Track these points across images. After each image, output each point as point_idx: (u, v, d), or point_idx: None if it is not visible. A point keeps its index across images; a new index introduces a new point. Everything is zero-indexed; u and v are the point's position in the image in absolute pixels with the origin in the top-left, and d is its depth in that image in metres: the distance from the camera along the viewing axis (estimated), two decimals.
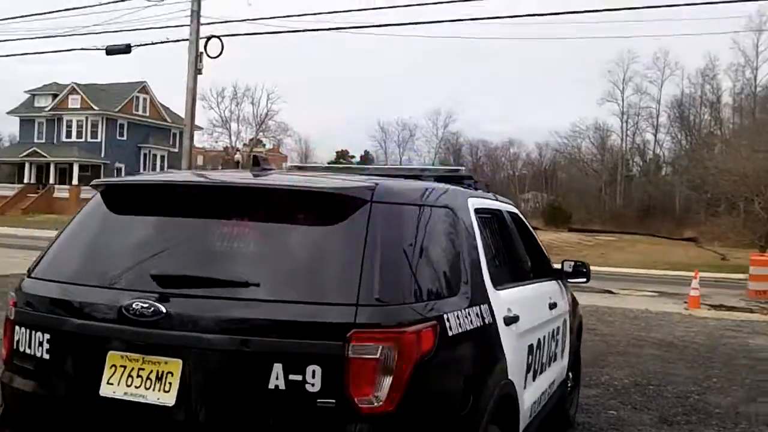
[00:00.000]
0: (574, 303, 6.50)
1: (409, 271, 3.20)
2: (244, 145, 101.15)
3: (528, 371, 4.51)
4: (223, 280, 3.12)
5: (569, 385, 6.22)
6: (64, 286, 3.41)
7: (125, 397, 3.06)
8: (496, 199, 5.11)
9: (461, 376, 3.40)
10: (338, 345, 2.86)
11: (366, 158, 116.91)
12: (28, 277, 3.62)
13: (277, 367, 2.88)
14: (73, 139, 61.79)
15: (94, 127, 62.03)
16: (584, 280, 6.04)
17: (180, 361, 3.01)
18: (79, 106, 61.51)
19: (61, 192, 59.45)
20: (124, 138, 63.09)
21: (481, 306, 3.73)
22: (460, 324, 3.38)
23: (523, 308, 4.42)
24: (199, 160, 71.61)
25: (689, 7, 19.65)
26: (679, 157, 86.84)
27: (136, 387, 3.05)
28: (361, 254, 3.04)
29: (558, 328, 5.59)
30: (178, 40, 21.43)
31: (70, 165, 61.26)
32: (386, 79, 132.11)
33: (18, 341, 3.44)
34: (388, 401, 2.88)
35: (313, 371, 2.86)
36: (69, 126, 62.09)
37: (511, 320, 4.09)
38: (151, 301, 3.05)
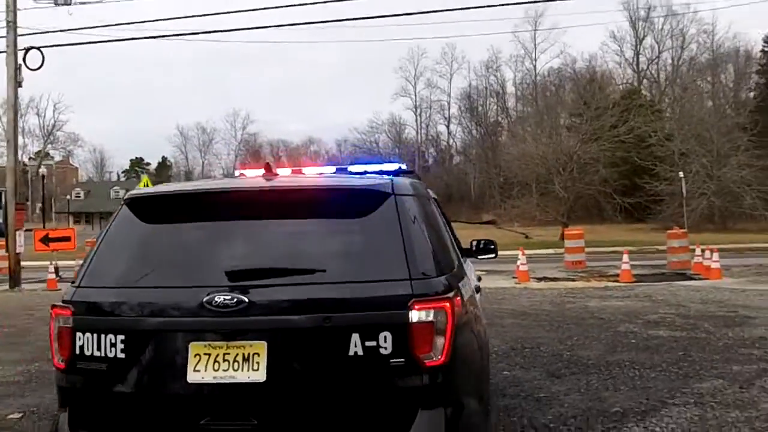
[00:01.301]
0: None
1: (432, 249, 3.82)
2: (30, 158, 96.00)
3: None
4: (293, 269, 3.59)
5: None
6: (129, 291, 3.70)
7: (215, 380, 3.42)
8: None
9: (473, 331, 4.10)
10: (402, 313, 3.41)
11: (164, 164, 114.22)
12: (78, 287, 3.82)
13: (355, 337, 3.39)
14: None
15: None
16: (493, 256, 6.83)
17: (265, 343, 3.43)
18: None
19: None
20: None
21: (466, 277, 4.45)
22: (465, 291, 4.07)
23: (474, 281, 5.18)
24: None
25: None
26: (471, 146, 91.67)
27: (224, 370, 3.43)
28: (400, 237, 3.62)
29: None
30: None
31: None
32: (179, 84, 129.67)
33: (82, 346, 3.66)
34: (443, 355, 3.47)
35: (385, 337, 3.39)
36: None
37: (478, 289, 4.83)
38: (234, 293, 3.45)
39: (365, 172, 4.91)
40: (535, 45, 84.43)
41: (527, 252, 19.62)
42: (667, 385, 7.24)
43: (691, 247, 20.70)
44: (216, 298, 3.46)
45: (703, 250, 19.20)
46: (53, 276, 20.26)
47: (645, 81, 77.45)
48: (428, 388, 3.44)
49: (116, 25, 26.55)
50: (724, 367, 7.92)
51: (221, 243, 3.79)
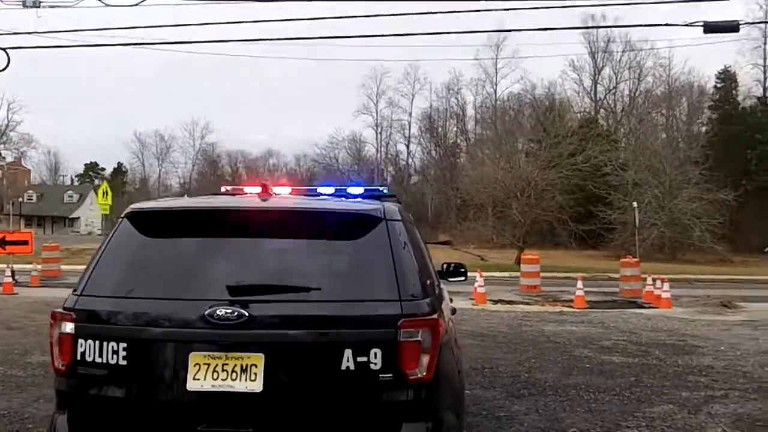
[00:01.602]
0: None
1: (419, 272, 4.12)
2: None
3: None
4: (291, 286, 3.88)
5: None
6: (132, 301, 3.92)
7: (213, 389, 3.66)
8: None
9: (452, 351, 4.40)
10: (392, 332, 3.71)
11: (120, 170, 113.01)
12: (80, 295, 4.00)
13: (348, 352, 3.67)
14: None
15: None
16: (463, 279, 7.14)
17: (262, 355, 3.68)
18: None
19: None
20: None
21: (445, 299, 4.76)
22: (446, 313, 4.39)
23: (449, 303, 5.49)
24: None
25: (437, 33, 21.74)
26: (430, 166, 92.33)
27: (223, 380, 3.67)
28: (391, 259, 3.93)
29: None
30: None
31: None
32: (138, 90, 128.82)
33: (83, 352, 3.86)
34: (427, 372, 3.76)
35: (375, 353, 3.68)
36: None
37: (454, 311, 5.14)
38: (234, 307, 3.70)
39: (360, 195, 5.21)
40: (496, 70, 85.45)
41: (483, 274, 19.98)
42: (620, 408, 7.62)
43: (643, 276, 21.27)
44: (217, 311, 3.70)
45: (654, 280, 19.76)
46: (9, 280, 20.09)
47: (602, 111, 78.77)
48: (412, 403, 3.73)
49: (82, 30, 26.56)
50: (674, 393, 8.33)
51: (221, 259, 4.05)
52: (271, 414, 3.72)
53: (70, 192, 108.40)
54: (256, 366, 3.69)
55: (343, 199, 5.03)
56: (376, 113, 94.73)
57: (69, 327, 3.94)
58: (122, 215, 4.32)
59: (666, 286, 18.63)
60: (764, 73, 70.93)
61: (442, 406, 3.97)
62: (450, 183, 76.98)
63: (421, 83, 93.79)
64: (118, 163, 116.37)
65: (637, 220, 33.07)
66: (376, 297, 3.84)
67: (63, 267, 25.02)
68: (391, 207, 4.43)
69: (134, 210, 4.34)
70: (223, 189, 5.77)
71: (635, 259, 22.99)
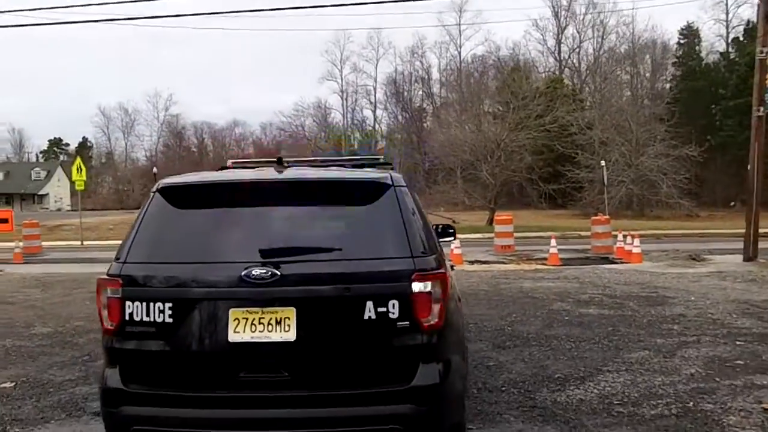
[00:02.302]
0: None
1: (424, 232, 4.56)
2: None
3: None
4: (316, 248, 4.33)
5: None
6: (174, 266, 4.33)
7: (252, 339, 4.10)
8: None
9: (456, 301, 4.86)
10: (407, 284, 4.15)
11: (85, 145, 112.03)
12: (125, 262, 4.37)
13: (369, 304, 4.11)
14: None
15: None
16: (452, 239, 7.60)
17: (294, 309, 4.12)
18: None
19: None
20: None
21: (445, 256, 5.19)
22: (448, 268, 4.82)
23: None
24: None
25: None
26: (396, 131, 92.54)
27: (260, 331, 4.11)
28: (402, 222, 4.36)
29: None
30: None
31: None
32: (100, 64, 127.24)
33: (131, 313, 4.26)
34: (439, 319, 4.21)
35: (393, 303, 4.12)
36: None
37: (452, 267, 5.58)
38: (268, 268, 4.13)
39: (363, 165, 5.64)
40: (459, 32, 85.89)
41: (458, 236, 20.40)
42: (600, 355, 8.15)
43: (613, 232, 21.90)
44: (253, 272, 4.13)
45: (625, 236, 20.37)
46: None
47: (567, 70, 79.56)
48: (426, 347, 4.18)
49: (46, 9, 26.39)
50: (649, 340, 8.88)
51: (250, 226, 4.47)
52: (304, 360, 4.15)
53: (37, 169, 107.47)
54: (289, 318, 4.12)
55: (352, 169, 5.45)
56: (341, 79, 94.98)
57: (117, 291, 4.32)
58: (153, 190, 4.70)
59: (636, 241, 19.26)
60: (726, 28, 72.08)
61: (450, 350, 4.42)
62: (418, 147, 77.45)
63: (385, 48, 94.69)
64: (83, 137, 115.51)
65: (606, 179, 33.72)
66: (391, 255, 4.27)
67: (43, 243, 25.16)
68: (397, 175, 4.83)
69: (165, 185, 4.71)
70: (229, 162, 6.13)
71: (606, 217, 23.62)
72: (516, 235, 23.68)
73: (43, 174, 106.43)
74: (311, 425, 4.11)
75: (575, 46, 79.42)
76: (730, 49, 70.15)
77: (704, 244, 24.62)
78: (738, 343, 8.69)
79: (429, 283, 4.21)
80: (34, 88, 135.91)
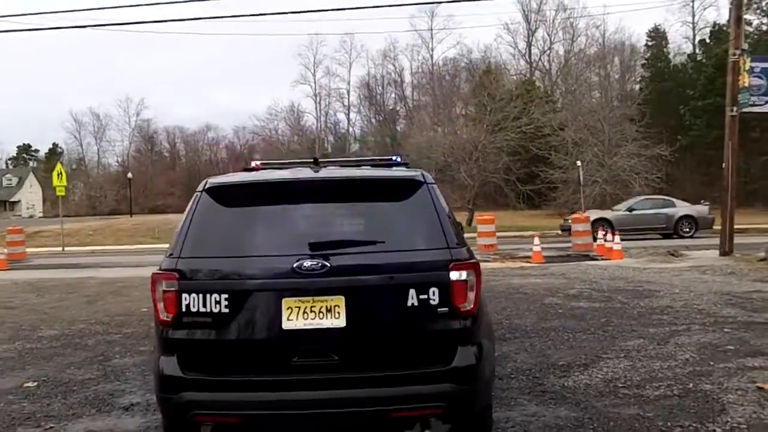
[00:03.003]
0: None
1: (455, 225, 4.92)
2: None
3: None
4: (361, 240, 4.67)
5: None
6: (228, 259, 4.62)
7: (305, 327, 4.42)
8: None
9: (483, 289, 5.23)
10: (446, 273, 4.50)
11: (55, 151, 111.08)
12: (179, 258, 4.64)
13: (412, 291, 4.45)
14: None
15: None
16: None
17: (343, 297, 4.44)
18: None
19: None
20: None
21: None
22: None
23: None
24: None
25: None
26: (370, 134, 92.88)
27: (312, 319, 4.42)
28: (436, 216, 4.73)
29: None
30: None
31: None
32: (69, 70, 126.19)
33: (188, 305, 4.53)
34: (473, 306, 4.58)
35: (433, 291, 4.47)
36: None
37: None
38: (318, 260, 4.45)
39: (391, 165, 6.01)
40: (431, 35, 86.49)
41: None
42: (598, 344, 8.56)
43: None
44: (304, 264, 4.44)
45: (605, 233, 20.89)
46: None
47: (537, 72, 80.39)
48: (464, 331, 4.55)
49: (11, 16, 26.49)
50: (642, 330, 9.32)
51: (297, 221, 4.81)
52: (353, 345, 4.47)
53: (8, 175, 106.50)
54: (338, 306, 4.44)
55: (386, 168, 5.84)
56: (314, 83, 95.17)
57: (173, 284, 4.60)
58: (199, 190, 4.97)
59: (617, 238, 19.80)
60: (693, 30, 73.39)
61: (483, 334, 4.78)
62: (391, 150, 77.85)
63: (358, 51, 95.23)
64: (54, 143, 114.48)
65: (581, 178, 34.29)
66: (429, 246, 4.63)
67: (27, 250, 25.18)
68: (427, 173, 5.19)
69: (212, 185, 4.99)
70: (255, 164, 6.43)
71: (586, 215, 24.14)
72: (497, 234, 24.11)
73: (14, 180, 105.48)
74: (360, 404, 4.42)
75: (546, 49, 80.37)
76: (697, 51, 71.41)
77: (678, 240, 25.23)
78: (726, 330, 9.15)
79: (465, 272, 4.57)
80: (5, 94, 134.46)
